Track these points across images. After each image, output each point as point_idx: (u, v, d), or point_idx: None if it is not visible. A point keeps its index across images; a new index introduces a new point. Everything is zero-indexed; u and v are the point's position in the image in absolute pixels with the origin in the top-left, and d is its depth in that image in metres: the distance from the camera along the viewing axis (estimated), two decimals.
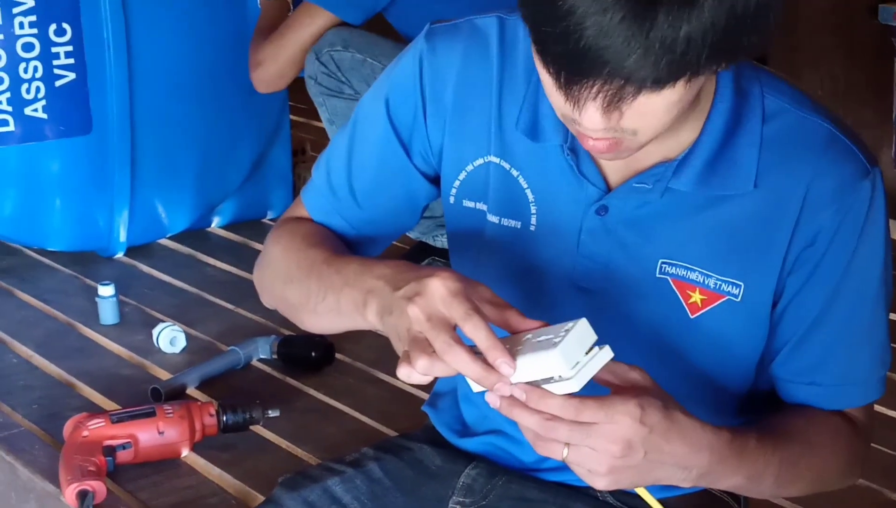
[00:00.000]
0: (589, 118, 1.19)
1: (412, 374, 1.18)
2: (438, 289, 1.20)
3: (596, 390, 1.20)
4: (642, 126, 1.21)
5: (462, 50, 1.43)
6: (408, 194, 1.49)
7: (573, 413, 1.17)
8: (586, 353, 1.17)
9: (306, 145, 3.90)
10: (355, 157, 1.49)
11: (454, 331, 1.18)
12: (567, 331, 1.16)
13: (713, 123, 1.33)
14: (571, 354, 1.16)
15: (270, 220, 3.61)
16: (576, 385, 1.17)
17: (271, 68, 3.08)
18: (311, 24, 2.98)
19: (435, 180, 1.49)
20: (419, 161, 1.47)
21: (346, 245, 1.50)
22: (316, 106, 3.03)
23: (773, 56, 3.31)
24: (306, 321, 1.45)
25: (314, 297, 1.39)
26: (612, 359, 1.18)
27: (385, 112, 1.46)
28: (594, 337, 1.17)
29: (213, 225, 3.54)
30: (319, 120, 4.30)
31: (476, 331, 1.18)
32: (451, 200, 1.47)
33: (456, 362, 1.17)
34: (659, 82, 1.14)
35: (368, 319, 1.29)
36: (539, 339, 1.19)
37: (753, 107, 1.34)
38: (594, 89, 1.15)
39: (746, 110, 1.34)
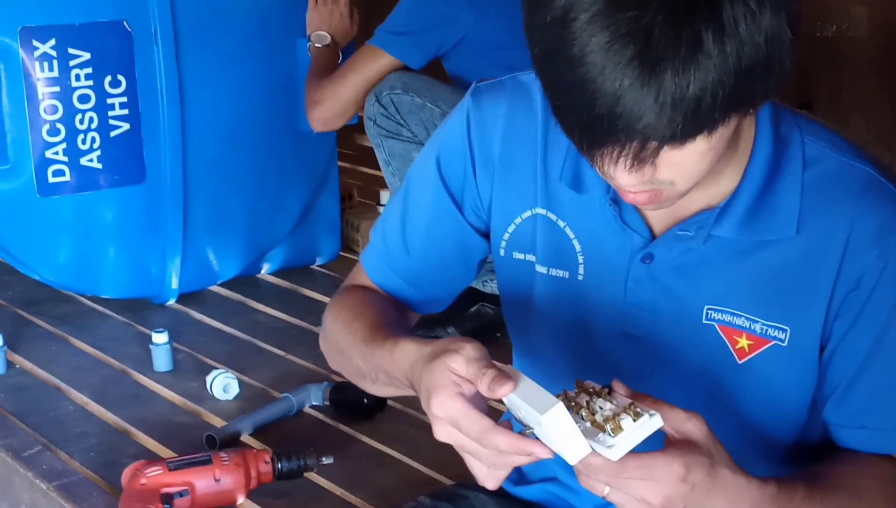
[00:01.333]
0: (621, 178, 1.21)
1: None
2: (443, 414, 1.24)
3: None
4: (678, 176, 1.22)
5: (507, 105, 1.45)
6: (462, 250, 1.51)
7: (613, 473, 1.19)
8: (635, 420, 1.19)
9: (353, 191, 3.90)
10: (409, 216, 1.51)
11: (484, 445, 1.22)
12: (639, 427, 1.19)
13: (753, 170, 1.34)
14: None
15: (319, 266, 3.62)
16: (615, 455, 1.18)
17: (332, 108, 3.12)
18: (372, 65, 3.02)
19: (487, 235, 1.50)
20: (472, 217, 1.49)
21: (403, 306, 1.53)
22: (373, 147, 3.05)
23: (818, 101, 3.30)
24: (369, 388, 1.49)
25: (368, 374, 1.43)
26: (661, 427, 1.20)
27: (436, 171, 1.48)
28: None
29: (262, 272, 3.55)
30: (366, 166, 4.34)
31: (495, 445, 1.21)
32: (502, 252, 1.48)
33: (507, 466, 1.23)
34: (678, 138, 1.15)
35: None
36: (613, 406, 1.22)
37: (793, 153, 1.35)
38: (615, 154, 1.17)
39: (787, 157, 1.34)
